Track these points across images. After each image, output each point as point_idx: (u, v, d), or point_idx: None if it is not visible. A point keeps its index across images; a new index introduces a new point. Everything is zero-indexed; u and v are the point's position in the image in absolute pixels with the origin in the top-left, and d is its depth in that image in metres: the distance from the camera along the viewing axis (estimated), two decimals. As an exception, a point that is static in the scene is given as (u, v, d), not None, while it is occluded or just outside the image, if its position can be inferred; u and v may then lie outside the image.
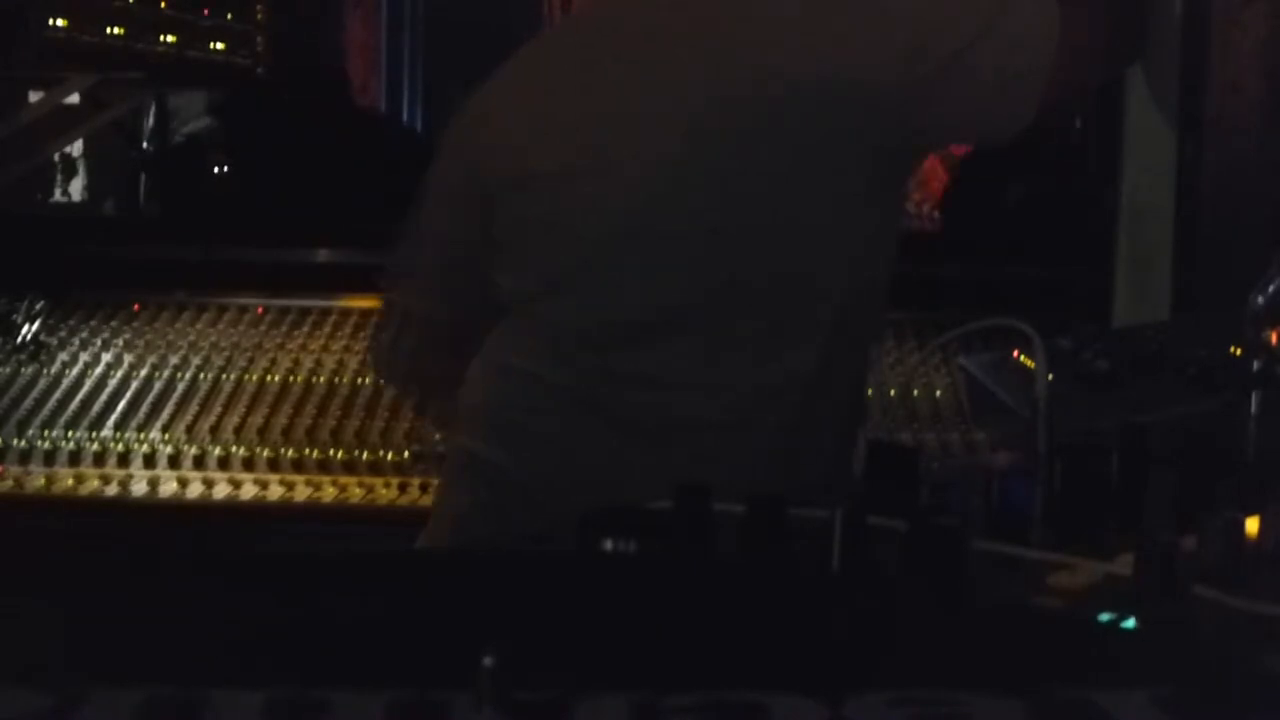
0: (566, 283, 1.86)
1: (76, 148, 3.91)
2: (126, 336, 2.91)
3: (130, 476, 2.60)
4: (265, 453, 2.63)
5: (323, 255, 3.05)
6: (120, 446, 2.64)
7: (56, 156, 3.85)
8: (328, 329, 2.92)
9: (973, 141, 2.05)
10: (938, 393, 2.69)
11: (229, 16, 3.68)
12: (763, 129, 1.79)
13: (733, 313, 1.81)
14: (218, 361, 2.84)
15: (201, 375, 2.80)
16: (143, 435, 2.67)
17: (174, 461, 2.63)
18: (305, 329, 2.93)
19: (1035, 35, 1.80)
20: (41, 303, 2.94)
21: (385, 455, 2.63)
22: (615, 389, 1.83)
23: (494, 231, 1.90)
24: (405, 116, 5.87)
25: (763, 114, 1.79)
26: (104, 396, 2.75)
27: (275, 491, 2.58)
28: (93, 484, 2.60)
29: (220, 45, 3.68)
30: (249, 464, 2.62)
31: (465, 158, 1.96)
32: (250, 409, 2.72)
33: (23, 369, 2.83)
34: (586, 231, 1.85)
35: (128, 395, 2.76)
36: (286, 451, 2.63)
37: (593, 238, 1.84)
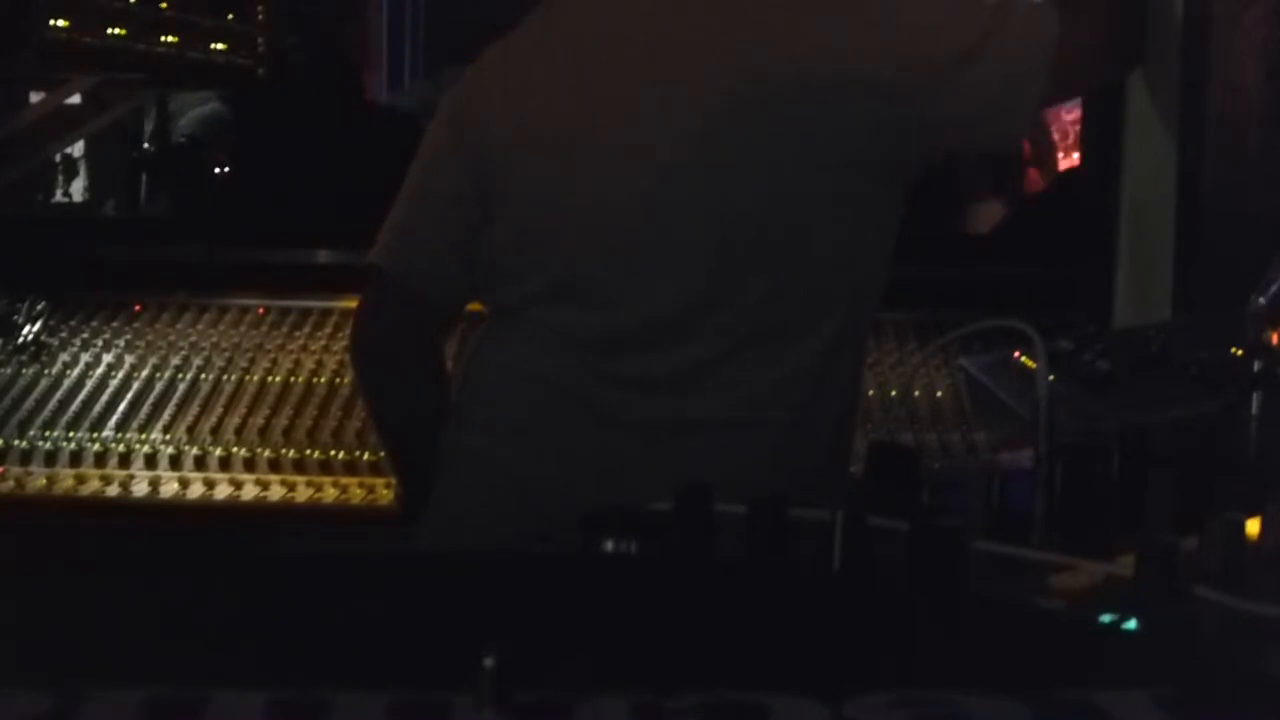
0: (572, 288, 1.86)
1: (78, 148, 3.92)
2: (127, 337, 2.91)
3: (131, 477, 2.60)
4: (266, 453, 2.63)
5: (323, 256, 3.04)
6: (121, 447, 2.64)
7: (58, 157, 3.86)
8: (329, 330, 2.92)
9: (974, 147, 2.05)
10: (938, 393, 2.69)
11: (230, 17, 3.68)
12: (766, 128, 1.79)
13: (738, 313, 1.81)
14: (219, 362, 2.83)
15: (203, 376, 2.80)
16: (144, 436, 2.66)
17: (175, 462, 2.62)
18: (306, 329, 2.93)
19: (1034, 42, 1.80)
20: (42, 303, 2.94)
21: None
22: (620, 391, 1.83)
23: (497, 237, 1.90)
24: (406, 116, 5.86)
25: (765, 113, 1.79)
26: (105, 397, 2.75)
27: (276, 492, 2.58)
28: (94, 484, 2.59)
29: (221, 46, 3.67)
30: (250, 464, 2.62)
31: (463, 128, 1.95)
32: (251, 410, 2.72)
33: (24, 369, 2.82)
34: (594, 237, 1.84)
35: (129, 396, 2.75)
36: (288, 452, 2.63)
37: (600, 244, 1.84)
